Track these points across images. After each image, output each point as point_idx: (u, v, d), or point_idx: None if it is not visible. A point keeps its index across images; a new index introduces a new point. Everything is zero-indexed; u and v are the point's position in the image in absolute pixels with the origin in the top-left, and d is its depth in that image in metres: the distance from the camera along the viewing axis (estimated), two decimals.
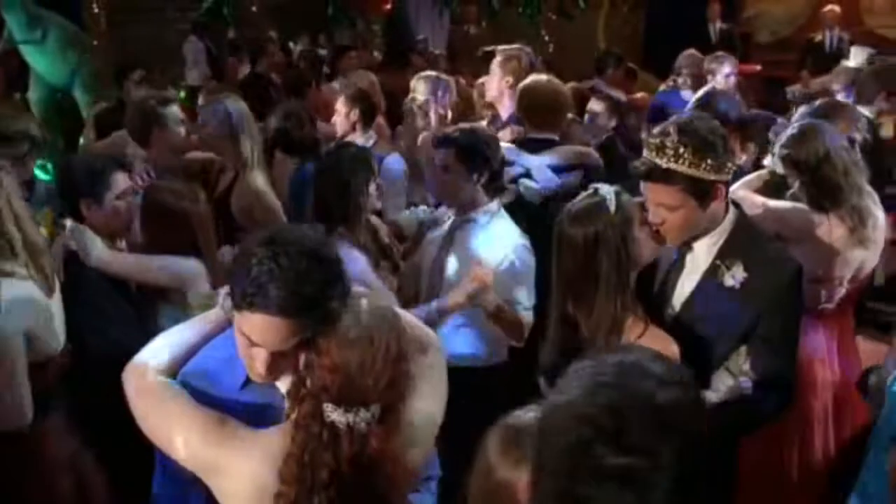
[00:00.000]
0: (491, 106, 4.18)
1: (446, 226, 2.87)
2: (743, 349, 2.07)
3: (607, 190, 1.98)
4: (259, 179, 3.37)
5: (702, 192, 1.94)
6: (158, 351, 1.65)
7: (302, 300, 1.43)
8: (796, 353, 2.14)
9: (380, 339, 1.47)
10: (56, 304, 2.18)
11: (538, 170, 3.14)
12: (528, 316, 2.66)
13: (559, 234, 2.00)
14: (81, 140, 4.89)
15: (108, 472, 2.35)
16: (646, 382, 0.85)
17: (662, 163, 1.90)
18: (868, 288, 3.67)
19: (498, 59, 3.67)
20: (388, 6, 12.58)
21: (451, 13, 12.11)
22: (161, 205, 2.54)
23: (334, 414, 1.44)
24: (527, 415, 1.35)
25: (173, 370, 1.62)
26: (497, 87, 3.67)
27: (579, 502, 0.80)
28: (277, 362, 1.50)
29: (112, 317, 2.40)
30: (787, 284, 2.04)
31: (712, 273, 2.08)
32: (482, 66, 8.30)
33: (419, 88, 3.81)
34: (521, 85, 3.37)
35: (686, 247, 2.11)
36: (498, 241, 2.69)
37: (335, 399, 1.44)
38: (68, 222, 2.41)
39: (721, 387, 2.06)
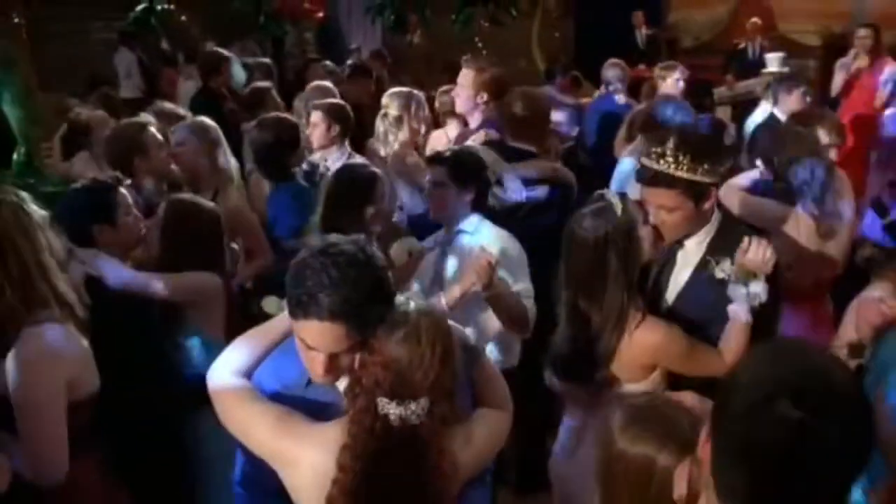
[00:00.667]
0: (453, 114, 4.34)
1: (437, 240, 2.98)
2: None
3: (613, 195, 2.20)
4: (237, 194, 3.44)
5: (698, 194, 2.18)
6: (235, 355, 1.78)
7: (351, 305, 1.56)
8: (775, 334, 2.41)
9: (427, 337, 1.63)
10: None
11: (509, 180, 3.28)
12: (531, 305, 2.78)
13: (570, 236, 2.20)
14: (15, 156, 4.76)
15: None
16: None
17: (663, 168, 2.14)
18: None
19: (470, 72, 3.81)
20: (320, 14, 12.65)
21: (385, 22, 12.28)
22: (183, 220, 2.62)
23: (388, 407, 1.58)
24: (641, 398, 1.56)
25: (248, 372, 1.75)
26: (470, 102, 3.79)
27: (754, 446, 0.98)
28: (334, 364, 1.63)
29: (135, 336, 2.47)
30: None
31: (703, 267, 2.33)
32: (429, 76, 8.53)
33: (392, 104, 3.93)
34: (507, 96, 3.56)
35: (678, 244, 2.36)
36: (489, 241, 2.84)
37: (388, 393, 1.58)
38: (81, 250, 2.44)
39: None
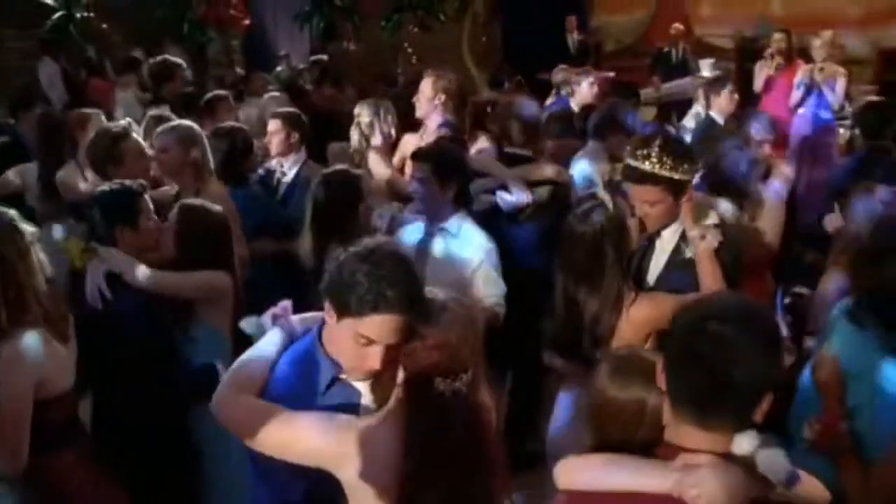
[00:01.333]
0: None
1: (420, 233, 3.22)
2: None
3: (603, 193, 2.52)
4: (217, 189, 3.58)
5: (678, 190, 2.52)
6: (239, 379, 1.85)
7: (410, 299, 1.73)
8: None
9: (465, 319, 1.88)
10: (71, 348, 2.32)
11: (514, 184, 3.59)
12: (501, 306, 3.06)
13: (569, 233, 2.50)
14: None
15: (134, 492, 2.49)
16: (741, 297, 1.46)
17: (648, 168, 2.47)
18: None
19: (429, 79, 4.12)
20: (246, 22, 12.65)
21: (313, 30, 12.41)
22: (195, 223, 2.77)
23: (443, 385, 1.73)
24: (622, 352, 1.84)
25: (257, 393, 1.83)
26: (429, 104, 4.05)
27: (692, 356, 1.33)
28: (390, 355, 1.74)
29: (148, 329, 2.64)
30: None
31: (677, 252, 2.68)
32: (364, 82, 8.73)
33: (363, 112, 4.18)
34: (499, 104, 3.87)
35: (656, 234, 2.70)
36: (469, 246, 3.07)
37: (443, 372, 1.76)
38: (105, 249, 2.61)
39: None
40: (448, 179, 3.10)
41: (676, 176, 2.48)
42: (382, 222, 3.35)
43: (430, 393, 1.74)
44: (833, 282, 2.86)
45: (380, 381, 1.84)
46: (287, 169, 4.10)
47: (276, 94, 5.48)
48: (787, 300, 4.98)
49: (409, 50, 12.17)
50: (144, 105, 6.69)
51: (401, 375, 1.82)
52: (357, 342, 1.74)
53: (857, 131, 7.66)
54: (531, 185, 3.68)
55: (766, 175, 4.02)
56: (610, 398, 1.76)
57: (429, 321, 1.78)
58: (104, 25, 11.45)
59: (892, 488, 1.85)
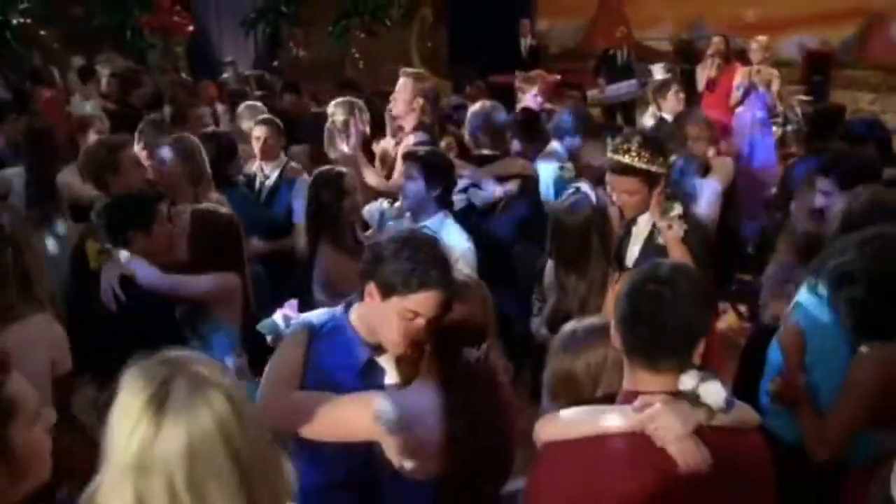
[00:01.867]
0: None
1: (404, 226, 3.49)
2: None
3: (587, 188, 2.83)
4: (216, 195, 3.76)
5: (653, 182, 2.83)
6: (278, 379, 1.99)
7: (449, 275, 1.92)
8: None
9: (481, 292, 2.14)
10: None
11: (485, 182, 3.83)
12: None
13: (556, 223, 2.79)
14: None
15: None
16: (672, 263, 1.84)
17: (628, 161, 2.79)
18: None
19: (409, 81, 4.38)
20: (191, 28, 12.63)
21: (257, 36, 12.53)
22: (208, 227, 2.92)
23: (471, 353, 1.97)
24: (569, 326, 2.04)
25: (297, 388, 1.97)
26: (406, 106, 4.29)
27: (636, 313, 1.62)
28: (430, 327, 1.92)
29: (160, 329, 2.81)
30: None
31: (651, 238, 3.00)
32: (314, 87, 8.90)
33: (338, 111, 4.40)
34: (472, 109, 4.15)
35: (633, 221, 3.03)
36: (451, 242, 3.34)
37: (468, 342, 2.01)
38: (120, 252, 2.74)
39: None
40: (434, 180, 3.35)
41: (653, 168, 2.80)
42: (373, 218, 3.58)
43: (459, 361, 1.98)
44: (777, 266, 3.21)
45: (403, 361, 2.02)
46: (269, 172, 4.28)
47: (252, 102, 5.66)
48: (733, 287, 5.42)
49: (357, 55, 12.41)
50: (110, 114, 6.70)
51: (387, 366, 2.03)
52: (403, 318, 1.90)
53: (789, 128, 8.32)
54: (501, 180, 3.96)
55: (706, 172, 4.46)
56: (566, 370, 1.89)
57: (457, 297, 2.00)
58: (42, 32, 11.33)
59: (840, 431, 2.19)
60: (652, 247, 2.99)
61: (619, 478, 1.56)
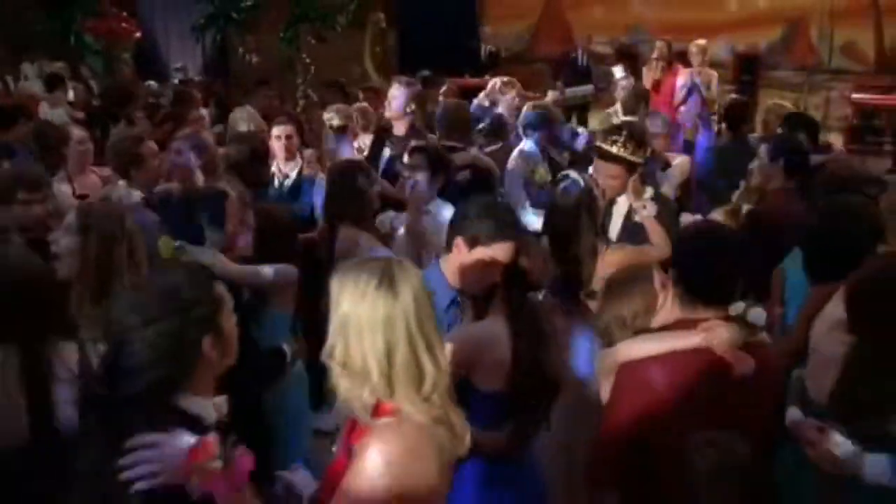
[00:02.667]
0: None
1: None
2: None
3: (576, 175, 3.40)
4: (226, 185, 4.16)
5: (633, 169, 3.43)
6: None
7: (518, 232, 2.51)
8: None
9: (540, 247, 2.68)
10: None
11: None
12: None
13: (553, 205, 3.35)
14: None
15: None
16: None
17: (615, 150, 3.37)
18: None
19: (402, 87, 4.88)
20: (138, 35, 12.79)
21: (212, 42, 12.75)
22: (271, 223, 3.29)
23: (535, 295, 2.53)
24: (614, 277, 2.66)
25: None
26: (400, 110, 4.78)
27: (700, 260, 2.16)
28: (503, 273, 2.43)
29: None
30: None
31: (629, 216, 3.59)
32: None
33: (336, 117, 4.87)
34: (440, 105, 4.69)
35: (613, 201, 3.61)
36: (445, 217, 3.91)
37: (532, 287, 2.54)
38: (193, 247, 3.03)
39: None
40: (437, 172, 3.89)
41: (635, 158, 3.40)
42: (383, 225, 4.04)
43: (526, 302, 2.48)
44: None
45: (479, 300, 2.51)
46: (289, 171, 4.64)
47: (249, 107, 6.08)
48: None
49: (307, 60, 12.77)
50: (76, 121, 6.95)
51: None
52: (486, 264, 2.43)
53: (724, 125, 9.12)
54: (458, 168, 4.47)
55: (665, 167, 5.10)
56: (616, 314, 2.43)
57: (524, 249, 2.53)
58: None
59: (790, 347, 2.80)
60: (630, 223, 3.58)
61: (688, 382, 2.05)
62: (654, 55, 8.02)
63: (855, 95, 9.99)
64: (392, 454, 1.65)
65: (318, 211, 4.35)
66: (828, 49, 10.95)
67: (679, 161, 5.25)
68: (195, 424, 1.64)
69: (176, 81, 12.06)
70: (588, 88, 9.14)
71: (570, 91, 8.62)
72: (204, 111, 6.54)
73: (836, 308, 2.42)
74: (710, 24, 10.93)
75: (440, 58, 12.22)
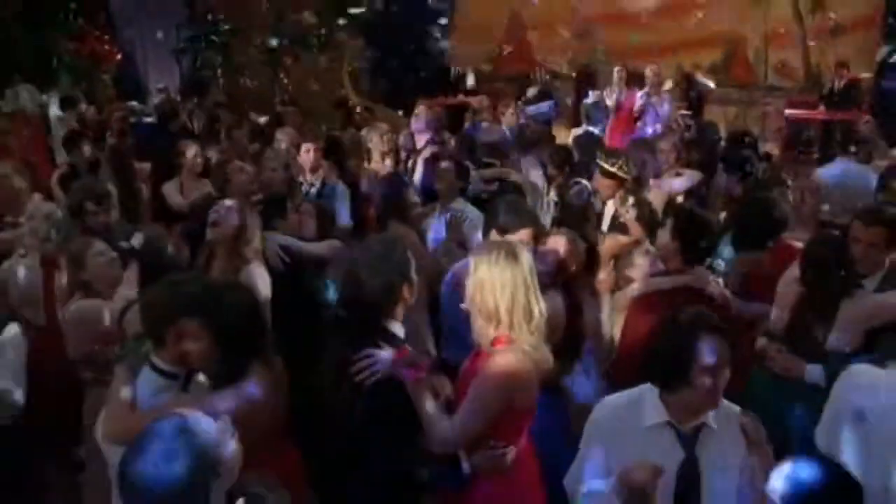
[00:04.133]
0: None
1: (437, 214, 5.15)
2: None
3: (584, 183, 4.62)
4: None
5: (622, 182, 4.66)
6: None
7: (537, 221, 3.65)
8: None
9: (574, 236, 3.85)
10: None
11: (475, 180, 5.64)
12: None
13: (568, 203, 4.57)
14: None
15: None
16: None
17: (614, 170, 4.59)
18: None
19: (426, 109, 6.13)
20: (119, 56, 13.64)
21: (194, 63, 13.70)
22: (323, 214, 4.52)
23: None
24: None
25: None
26: (423, 130, 6.10)
27: (685, 233, 3.49)
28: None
29: (307, 280, 4.33)
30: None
31: (615, 217, 4.81)
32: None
33: (373, 136, 6.09)
34: (481, 128, 5.94)
35: (604, 203, 4.85)
36: (475, 215, 5.03)
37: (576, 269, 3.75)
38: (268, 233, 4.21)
39: None
40: (463, 177, 5.09)
41: (626, 176, 4.65)
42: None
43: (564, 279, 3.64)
44: None
45: None
46: (314, 180, 5.70)
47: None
48: None
49: (285, 80, 13.81)
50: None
51: None
52: None
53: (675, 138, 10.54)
54: (488, 181, 5.76)
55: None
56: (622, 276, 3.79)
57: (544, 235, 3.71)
58: None
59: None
60: (617, 223, 4.82)
61: (683, 305, 2.93)
62: (615, 79, 9.37)
63: (788, 111, 11.53)
64: (508, 365, 2.65)
65: (340, 213, 5.36)
66: (763, 68, 12.50)
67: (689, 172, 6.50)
68: (395, 339, 2.75)
69: (157, 101, 12.92)
70: (549, 105, 10.41)
71: (530, 109, 9.85)
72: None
73: (793, 270, 3.62)
74: (659, 47, 12.35)
75: (411, 78, 13.45)
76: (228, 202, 3.94)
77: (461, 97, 12.09)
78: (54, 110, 10.17)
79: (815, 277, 3.34)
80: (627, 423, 2.48)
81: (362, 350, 2.61)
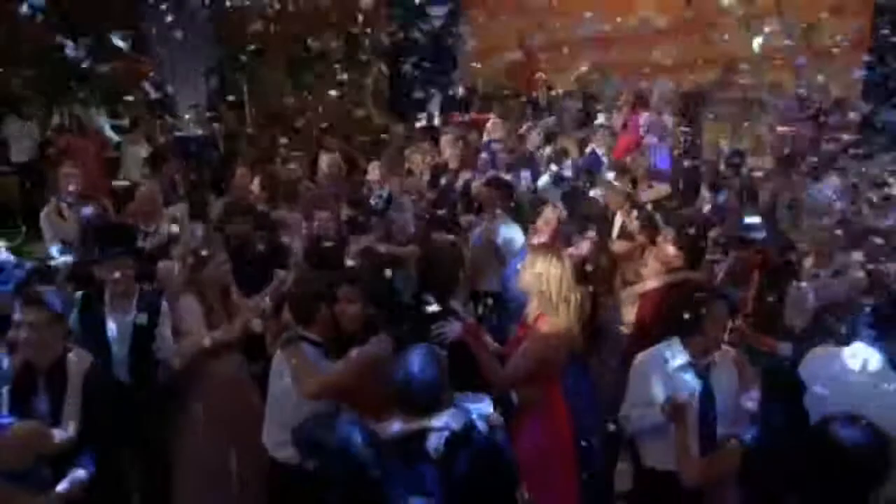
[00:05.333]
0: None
1: (483, 225, 6.28)
2: None
3: (595, 192, 5.76)
4: None
5: (629, 196, 5.83)
6: None
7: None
8: None
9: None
10: None
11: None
12: None
13: (586, 206, 5.72)
14: None
15: None
16: None
17: (622, 187, 5.75)
18: None
19: (451, 138, 7.27)
20: (151, 74, 14.69)
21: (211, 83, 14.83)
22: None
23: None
24: None
25: None
26: (453, 155, 7.26)
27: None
28: None
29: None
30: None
31: (623, 226, 5.96)
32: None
33: (416, 157, 7.24)
34: None
35: (614, 213, 5.98)
36: (512, 226, 6.17)
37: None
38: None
39: None
40: (504, 195, 6.23)
41: (631, 191, 5.79)
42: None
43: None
44: None
45: None
46: (381, 192, 6.92)
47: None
48: None
49: (310, 98, 14.88)
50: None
51: None
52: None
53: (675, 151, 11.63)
54: None
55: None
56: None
57: None
58: None
59: None
60: (624, 231, 5.96)
61: None
62: (622, 100, 10.51)
63: (779, 128, 12.62)
64: (547, 336, 3.82)
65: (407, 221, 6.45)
66: (758, 87, 13.59)
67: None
68: (456, 314, 3.89)
69: (188, 117, 14.07)
70: (551, 120, 11.53)
71: (540, 123, 10.99)
72: None
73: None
74: (659, 66, 13.46)
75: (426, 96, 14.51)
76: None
77: (473, 115, 13.20)
78: (106, 127, 11.25)
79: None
80: (660, 367, 3.71)
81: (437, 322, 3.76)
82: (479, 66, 14.91)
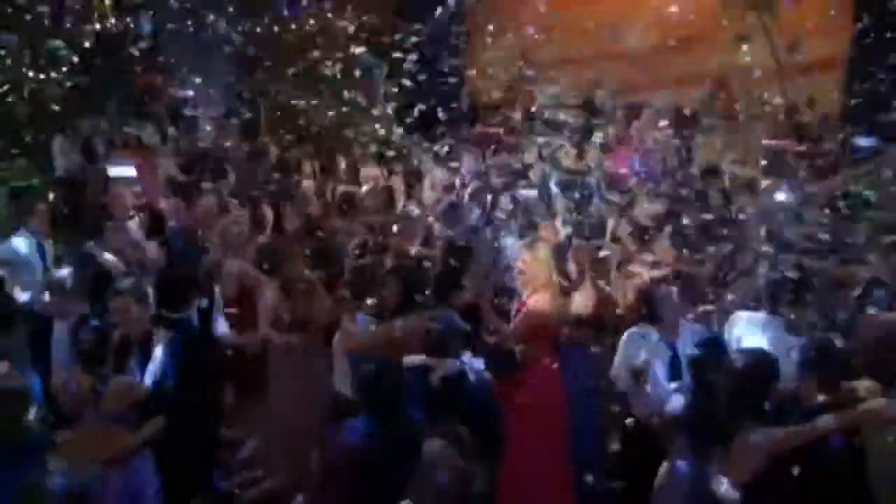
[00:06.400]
0: None
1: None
2: None
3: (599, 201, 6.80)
4: None
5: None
6: None
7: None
8: None
9: None
10: None
11: None
12: None
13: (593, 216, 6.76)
14: None
15: None
16: None
17: (614, 198, 6.81)
18: None
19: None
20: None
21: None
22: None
23: None
24: None
25: None
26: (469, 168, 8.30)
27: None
28: None
29: None
30: None
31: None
32: None
33: (437, 172, 8.30)
34: None
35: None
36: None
37: None
38: None
39: None
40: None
41: (621, 202, 6.89)
42: None
43: None
44: None
45: None
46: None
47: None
48: None
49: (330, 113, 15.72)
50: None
51: None
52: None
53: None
54: None
55: None
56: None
57: None
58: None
59: None
60: (614, 237, 7.04)
61: None
62: (618, 116, 11.56)
63: (765, 142, 13.64)
64: (537, 305, 5.29)
65: None
66: (745, 103, 14.63)
67: None
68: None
69: (208, 128, 14.92)
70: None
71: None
72: None
73: None
74: (652, 82, 14.50)
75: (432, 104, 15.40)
76: None
77: (480, 128, 14.13)
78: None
79: None
80: (642, 340, 5.16)
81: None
82: (483, 80, 15.85)
